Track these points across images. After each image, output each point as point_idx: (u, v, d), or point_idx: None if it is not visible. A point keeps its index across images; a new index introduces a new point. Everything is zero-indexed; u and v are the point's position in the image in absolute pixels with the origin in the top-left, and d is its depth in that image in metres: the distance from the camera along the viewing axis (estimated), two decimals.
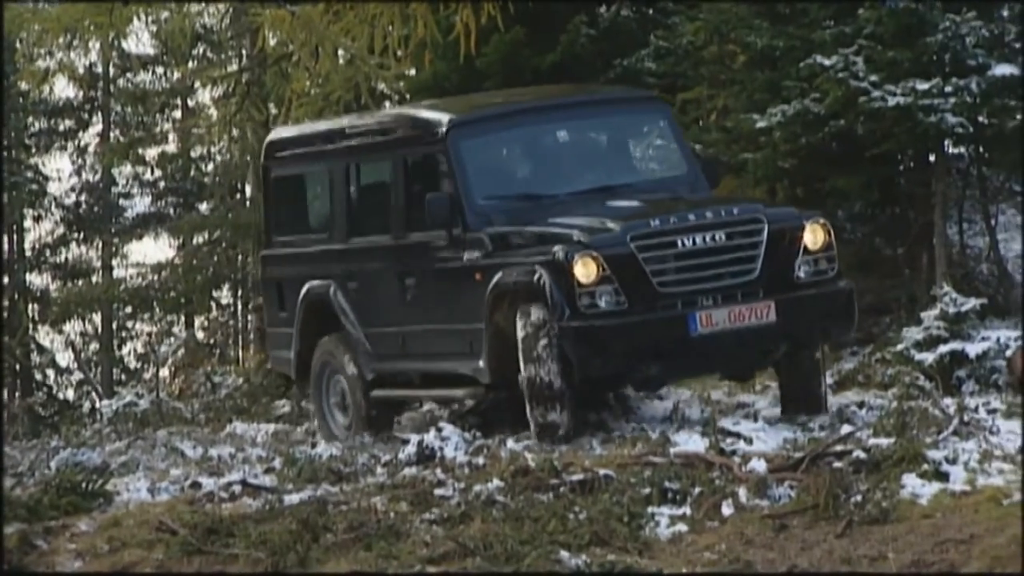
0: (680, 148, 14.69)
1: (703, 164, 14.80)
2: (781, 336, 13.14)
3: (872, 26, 16.82)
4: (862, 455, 10.84)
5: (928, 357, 14.73)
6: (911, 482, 10.26)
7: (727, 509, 10.28)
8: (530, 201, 13.97)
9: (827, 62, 16.53)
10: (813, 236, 13.06)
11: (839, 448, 11.16)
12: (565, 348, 12.72)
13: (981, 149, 18.71)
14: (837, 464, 10.71)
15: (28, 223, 39.53)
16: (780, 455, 11.37)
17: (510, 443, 12.92)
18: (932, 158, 18.50)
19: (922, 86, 16.42)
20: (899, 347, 15.31)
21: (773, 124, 16.86)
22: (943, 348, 14.79)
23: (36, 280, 39.93)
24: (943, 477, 10.34)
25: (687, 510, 10.28)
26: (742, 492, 10.48)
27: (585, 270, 12.50)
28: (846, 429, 12.02)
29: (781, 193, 18.52)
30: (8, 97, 37.18)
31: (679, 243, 12.74)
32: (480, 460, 12.14)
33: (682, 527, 10.05)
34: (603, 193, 14.02)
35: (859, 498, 9.94)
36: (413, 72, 20.76)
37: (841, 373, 15.56)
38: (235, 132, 32.15)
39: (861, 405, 13.77)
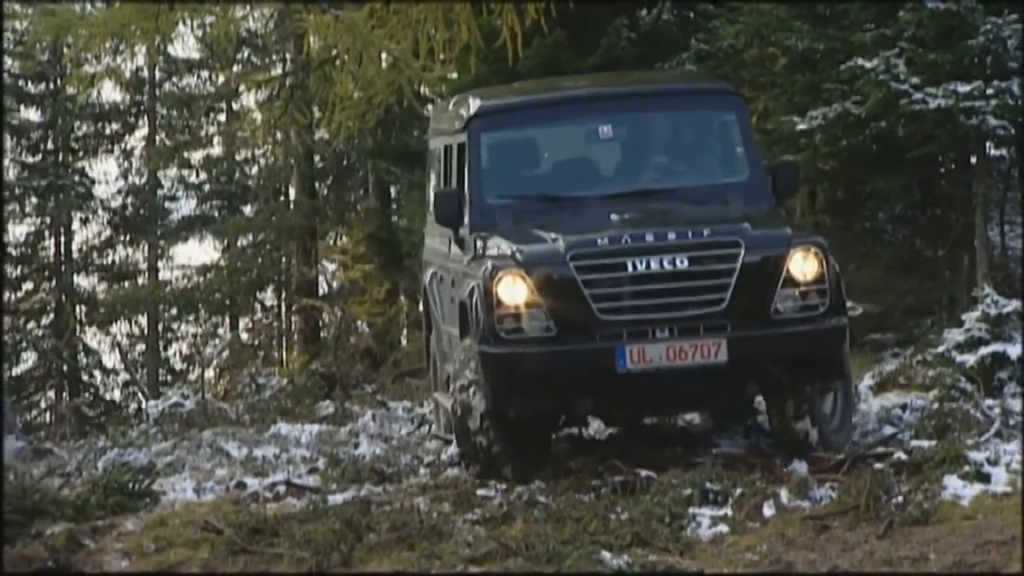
0: (746, 150, 12.21)
1: (776, 169, 12.26)
2: (734, 380, 10.97)
3: (913, 28, 16.77)
4: (903, 457, 10.87)
5: (969, 359, 14.58)
6: (953, 483, 10.25)
7: (768, 510, 10.28)
8: (549, 203, 12.01)
9: (868, 64, 16.43)
10: (801, 265, 10.70)
11: (880, 450, 11.19)
12: (483, 376, 11.03)
13: (1022, 151, 18.58)
14: (878, 465, 10.76)
15: (75, 225, 39.73)
16: (821, 457, 11.34)
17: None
18: (973, 160, 18.41)
19: (963, 88, 16.33)
20: (940, 349, 15.19)
21: (814, 126, 16.80)
22: (984, 350, 14.64)
23: (83, 282, 40.12)
24: (985, 479, 10.34)
25: (728, 511, 10.26)
26: (783, 493, 10.49)
27: (509, 291, 10.62)
28: (888, 431, 12.02)
29: (822, 195, 18.49)
30: (56, 101, 37.37)
31: (630, 266, 10.60)
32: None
33: (723, 528, 10.03)
34: (638, 199, 11.83)
35: (900, 499, 9.93)
36: (455, 75, 20.74)
37: (882, 375, 15.45)
38: (279, 135, 32.39)
39: (903, 407, 13.64)
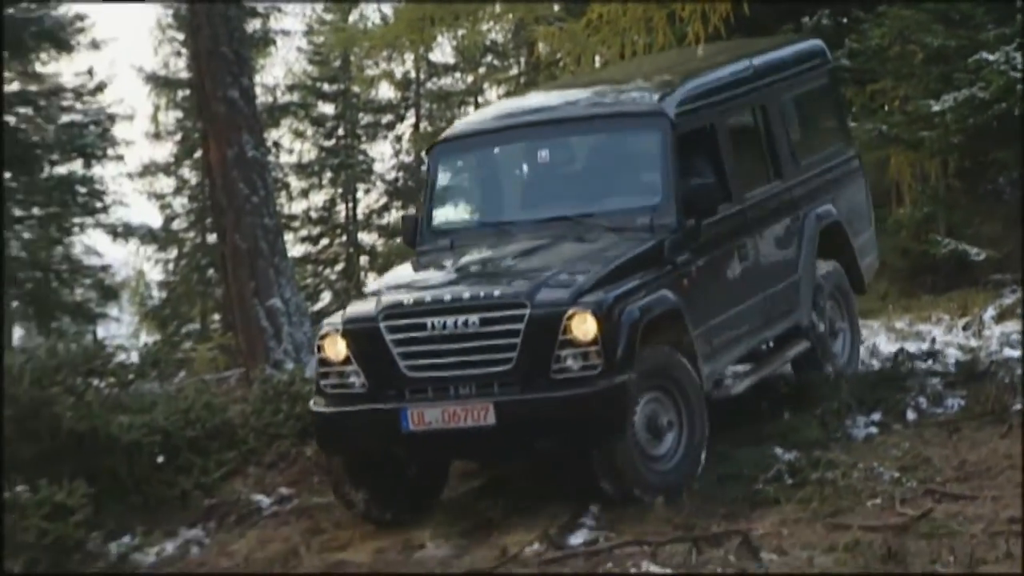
0: (662, 173, 9.39)
1: (690, 190, 9.29)
2: (505, 443, 8.79)
3: None
4: (1020, 371, 10.54)
5: None
6: None
7: (911, 415, 10.12)
8: (484, 229, 9.89)
9: (991, 57, 16.02)
10: (579, 325, 8.36)
11: (1003, 366, 10.91)
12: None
13: None
14: (1002, 378, 10.45)
15: (360, 194, 40.25)
16: (953, 372, 11.10)
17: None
18: None
19: None
20: None
21: (946, 108, 16.43)
22: None
23: (366, 238, 40.63)
24: None
25: (878, 416, 10.09)
26: (922, 402, 10.30)
27: (332, 349, 8.85)
28: (1007, 352, 11.73)
29: (952, 164, 18.08)
30: (345, 98, 37.85)
31: (430, 325, 8.58)
32: None
33: (874, 430, 9.89)
34: (556, 224, 9.48)
35: (1020, 406, 9.67)
36: None
37: (1002, 307, 15.01)
38: None
39: (1021, 333, 13.27)
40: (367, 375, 8.69)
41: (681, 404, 8.83)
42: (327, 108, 39.31)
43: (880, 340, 13.42)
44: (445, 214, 10.23)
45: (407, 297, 8.79)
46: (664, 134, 9.44)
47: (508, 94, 33.49)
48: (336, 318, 9.00)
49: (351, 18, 31.93)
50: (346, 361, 8.73)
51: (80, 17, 24.73)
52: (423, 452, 8.92)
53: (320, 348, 8.87)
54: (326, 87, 39.02)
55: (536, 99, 10.97)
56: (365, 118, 40.00)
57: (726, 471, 9.05)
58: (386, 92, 39.14)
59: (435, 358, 8.58)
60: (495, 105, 12.68)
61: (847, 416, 10.04)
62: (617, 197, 9.59)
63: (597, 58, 17.47)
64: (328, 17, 36.51)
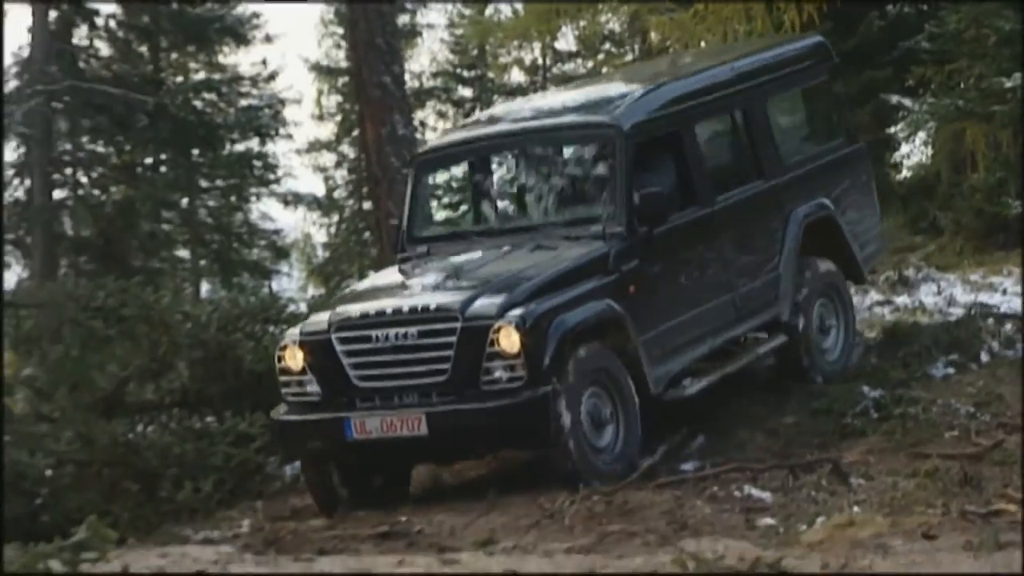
0: (614, 183, 8.57)
1: (643, 199, 8.41)
2: (439, 451, 8.31)
3: None
4: None
5: None
6: None
7: (984, 357, 9.94)
8: (456, 239, 9.27)
9: None
10: (505, 337, 7.68)
11: None
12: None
13: None
14: None
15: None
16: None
17: None
18: None
19: None
20: None
21: (1016, 85, 16.16)
22: None
23: None
24: None
25: (955, 358, 9.93)
26: (995, 345, 10.10)
27: (291, 359, 8.23)
28: None
29: (1021, 135, 17.70)
30: (482, 82, 37.88)
31: (374, 337, 7.97)
32: None
33: (951, 370, 9.73)
34: (519, 234, 8.86)
35: None
36: None
37: None
38: None
39: None
40: (321, 384, 8.11)
41: (617, 402, 8.11)
42: (466, 92, 39.27)
43: (956, 291, 13.21)
44: (424, 224, 9.44)
45: (356, 310, 8.20)
46: (616, 145, 8.60)
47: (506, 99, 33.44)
48: (295, 330, 8.43)
49: (487, 12, 31.86)
50: (303, 371, 8.15)
51: (256, 15, 25.09)
52: (369, 458, 8.28)
53: (280, 359, 8.27)
54: (465, 73, 39.00)
55: (512, 110, 10.10)
56: (499, 100, 39.97)
57: (819, 407, 8.98)
58: (517, 77, 39.09)
59: (380, 368, 7.98)
60: (476, 117, 11.17)
61: (927, 358, 9.91)
62: (574, 207, 8.84)
63: (703, 43, 17.36)
64: (467, 12, 36.58)
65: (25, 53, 22.03)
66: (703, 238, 8.96)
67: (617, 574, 5.64)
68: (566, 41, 34.93)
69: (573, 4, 13.43)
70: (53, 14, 22.11)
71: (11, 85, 21.96)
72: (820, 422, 8.75)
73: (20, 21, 31.63)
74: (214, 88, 24.30)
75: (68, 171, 23.05)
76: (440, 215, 9.63)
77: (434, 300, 7.96)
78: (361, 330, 8.02)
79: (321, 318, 8.31)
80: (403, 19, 33.76)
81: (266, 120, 26.36)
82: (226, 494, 8.91)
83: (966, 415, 8.45)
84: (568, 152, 9.04)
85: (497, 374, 7.70)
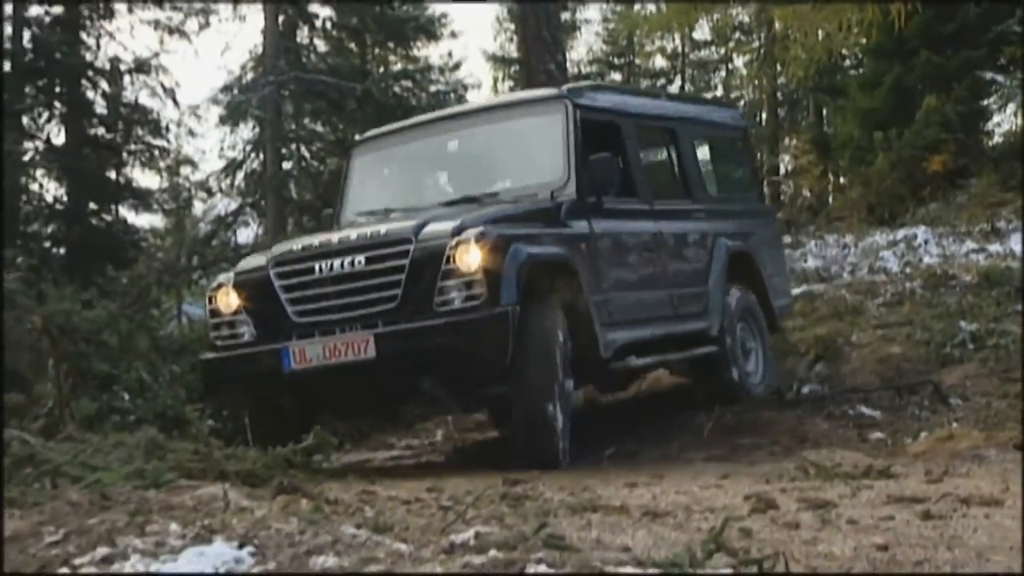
0: (563, 151, 7.15)
1: (592, 164, 7.06)
2: (386, 378, 6.39)
3: None
4: None
5: None
6: None
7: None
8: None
9: None
10: (462, 256, 6.17)
11: None
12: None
13: None
14: None
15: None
16: None
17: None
18: None
19: None
20: None
21: None
22: None
23: None
24: None
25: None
26: None
27: (223, 301, 6.75)
28: None
29: None
30: (630, 67, 37.53)
31: (317, 268, 6.48)
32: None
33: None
34: (466, 204, 7.17)
35: None
36: (864, 40, 19.73)
37: None
38: (755, 82, 32.16)
39: None
40: (256, 324, 6.62)
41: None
42: (616, 76, 38.97)
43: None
44: (360, 204, 7.97)
45: (297, 244, 6.81)
46: (567, 112, 7.24)
47: (751, 61, 32.96)
48: (228, 274, 6.99)
49: (635, 8, 31.54)
50: (236, 311, 6.69)
51: (444, 15, 25.15)
52: (304, 392, 6.57)
53: (211, 300, 6.80)
54: (616, 60, 38.72)
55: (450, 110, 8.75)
56: (644, 83, 39.55)
57: (921, 338, 8.75)
58: (659, 62, 38.81)
59: (322, 301, 6.44)
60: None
61: (1016, 297, 9.57)
62: (522, 178, 7.31)
63: (820, 31, 16.91)
64: (618, 8, 36.35)
65: (259, 50, 22.59)
66: (644, 230, 7.70)
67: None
68: (702, 31, 34.47)
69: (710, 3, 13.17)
70: (281, 18, 22.61)
71: (248, 77, 22.57)
72: (923, 351, 8.52)
73: (255, 24, 32.32)
74: (410, 76, 24.46)
75: (293, 146, 23.55)
76: (377, 195, 7.94)
77: (384, 227, 6.56)
78: (303, 263, 6.54)
79: (257, 258, 6.94)
80: (565, 15, 33.64)
81: (452, 103, 26.57)
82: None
83: None
84: (514, 127, 7.55)
85: (452, 294, 6.16)
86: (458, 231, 6.25)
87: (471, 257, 6.13)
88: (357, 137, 7.96)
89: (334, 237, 6.57)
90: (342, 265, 6.39)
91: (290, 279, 6.55)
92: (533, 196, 6.97)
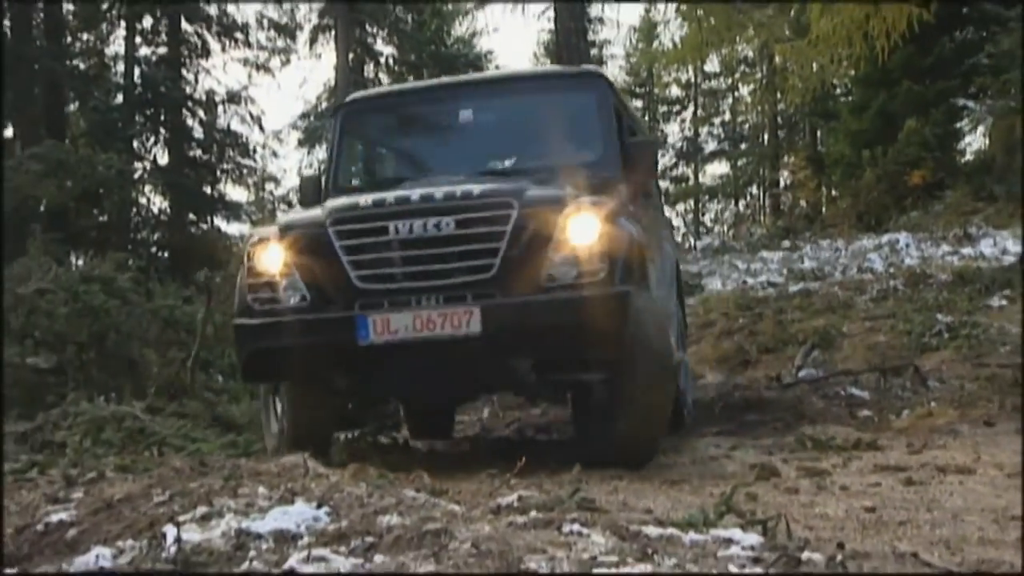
0: (602, 130, 5.60)
1: (630, 148, 5.53)
2: (490, 352, 4.52)
3: None
4: None
5: None
6: None
7: None
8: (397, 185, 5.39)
9: None
10: (577, 228, 4.53)
11: None
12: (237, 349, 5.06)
13: None
14: None
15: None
16: None
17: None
18: None
19: None
20: None
21: None
22: None
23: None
24: None
25: (1007, 292, 9.43)
26: None
27: (267, 257, 4.82)
28: None
29: None
30: (647, 95, 37.34)
31: (392, 229, 4.61)
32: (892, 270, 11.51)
33: (1004, 302, 9.25)
34: (516, 175, 5.28)
35: None
36: (852, 72, 19.54)
37: None
38: (758, 108, 31.97)
39: None
40: (309, 289, 4.75)
41: None
42: (637, 103, 38.84)
43: (1008, 244, 12.52)
44: (353, 172, 6.33)
45: (364, 199, 4.82)
46: (600, 93, 5.79)
47: (755, 90, 32.68)
48: (268, 228, 5.04)
49: (653, 44, 31.47)
50: (284, 272, 4.80)
51: (489, 52, 25.44)
52: (384, 367, 4.67)
53: (250, 256, 4.90)
54: (637, 89, 38.62)
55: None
56: (662, 108, 39.39)
57: (904, 329, 8.66)
58: (675, 91, 38.69)
59: (396, 267, 4.64)
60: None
61: (986, 293, 9.46)
62: (553, 154, 5.57)
63: (814, 64, 16.74)
64: (639, 45, 36.35)
65: (332, 83, 22.78)
66: (656, 218, 6.47)
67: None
68: (712, 64, 34.38)
69: (719, 36, 13.10)
70: (351, 56, 22.78)
71: (323, 106, 22.77)
72: (904, 339, 8.43)
73: (329, 61, 32.36)
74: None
75: None
76: (375, 165, 6.38)
77: (476, 187, 4.75)
78: (374, 221, 4.69)
79: (307, 213, 5.11)
80: (593, 51, 33.59)
81: None
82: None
83: (1015, 334, 8.04)
84: (542, 101, 5.92)
85: (564, 268, 4.52)
86: (564, 196, 4.71)
87: (589, 229, 4.56)
88: (348, 99, 6.33)
89: (413, 194, 4.73)
90: (424, 227, 4.60)
91: (354, 239, 4.70)
92: (580, 172, 5.17)
